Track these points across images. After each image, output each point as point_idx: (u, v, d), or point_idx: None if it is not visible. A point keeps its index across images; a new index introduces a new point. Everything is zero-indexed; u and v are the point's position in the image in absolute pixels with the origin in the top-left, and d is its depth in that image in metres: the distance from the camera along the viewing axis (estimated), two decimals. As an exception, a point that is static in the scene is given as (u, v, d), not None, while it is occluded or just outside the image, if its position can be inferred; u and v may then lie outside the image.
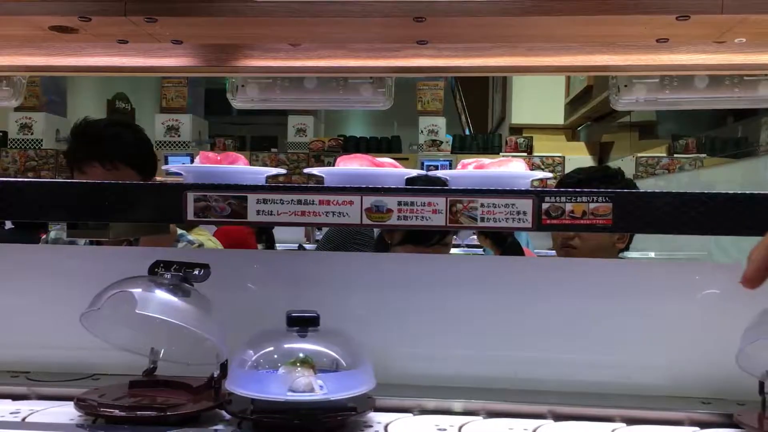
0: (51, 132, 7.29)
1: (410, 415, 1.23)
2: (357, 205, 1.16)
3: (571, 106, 8.45)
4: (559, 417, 1.22)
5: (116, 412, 1.13)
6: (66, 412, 1.17)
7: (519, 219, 1.15)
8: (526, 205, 1.15)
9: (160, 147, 7.12)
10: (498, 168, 1.24)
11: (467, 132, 10.27)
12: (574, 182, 2.28)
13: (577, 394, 1.29)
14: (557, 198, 1.14)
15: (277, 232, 5.43)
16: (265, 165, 7.05)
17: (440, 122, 7.30)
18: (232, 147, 7.74)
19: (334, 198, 1.16)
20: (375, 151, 7.40)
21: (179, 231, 2.13)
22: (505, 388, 1.33)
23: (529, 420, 1.20)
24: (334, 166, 1.28)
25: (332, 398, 1.09)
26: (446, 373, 1.36)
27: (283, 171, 1.36)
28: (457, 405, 1.26)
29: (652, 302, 1.35)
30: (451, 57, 1.48)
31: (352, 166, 1.25)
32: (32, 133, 7.11)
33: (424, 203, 1.16)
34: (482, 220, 1.16)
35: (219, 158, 1.27)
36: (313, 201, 1.16)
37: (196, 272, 1.20)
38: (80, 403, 1.15)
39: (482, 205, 1.16)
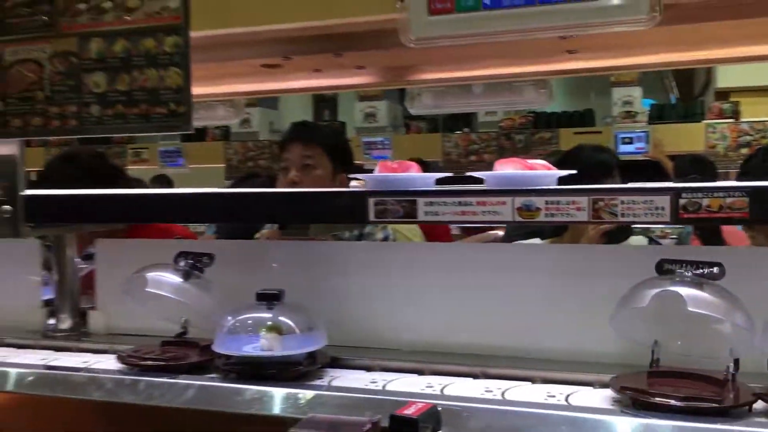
0: (265, 125, 8.10)
1: (363, 371, 1.46)
2: (509, 205, 1.34)
3: (788, 63, 7.69)
4: (489, 376, 1.40)
5: (149, 362, 1.48)
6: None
7: (657, 213, 1.27)
8: (664, 201, 1.26)
9: (360, 133, 7.59)
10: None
11: (672, 98, 9.71)
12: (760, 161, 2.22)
13: (507, 358, 1.47)
14: (694, 194, 1.24)
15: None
16: (457, 145, 7.29)
17: (635, 92, 7.02)
18: (426, 129, 8.04)
19: (489, 199, 1.36)
20: (566, 126, 7.32)
21: None
22: (450, 352, 1.51)
23: (459, 378, 1.40)
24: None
25: (279, 354, 1.39)
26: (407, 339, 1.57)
27: (450, 174, 1.57)
28: (395, 364, 1.48)
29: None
30: (601, 60, 1.60)
31: (507, 169, 1.43)
32: (251, 127, 7.96)
33: (569, 202, 1.31)
34: (622, 215, 1.29)
35: (395, 167, 1.51)
36: (471, 202, 1.36)
37: (205, 260, 1.55)
38: (122, 357, 1.51)
39: (622, 202, 1.29)
